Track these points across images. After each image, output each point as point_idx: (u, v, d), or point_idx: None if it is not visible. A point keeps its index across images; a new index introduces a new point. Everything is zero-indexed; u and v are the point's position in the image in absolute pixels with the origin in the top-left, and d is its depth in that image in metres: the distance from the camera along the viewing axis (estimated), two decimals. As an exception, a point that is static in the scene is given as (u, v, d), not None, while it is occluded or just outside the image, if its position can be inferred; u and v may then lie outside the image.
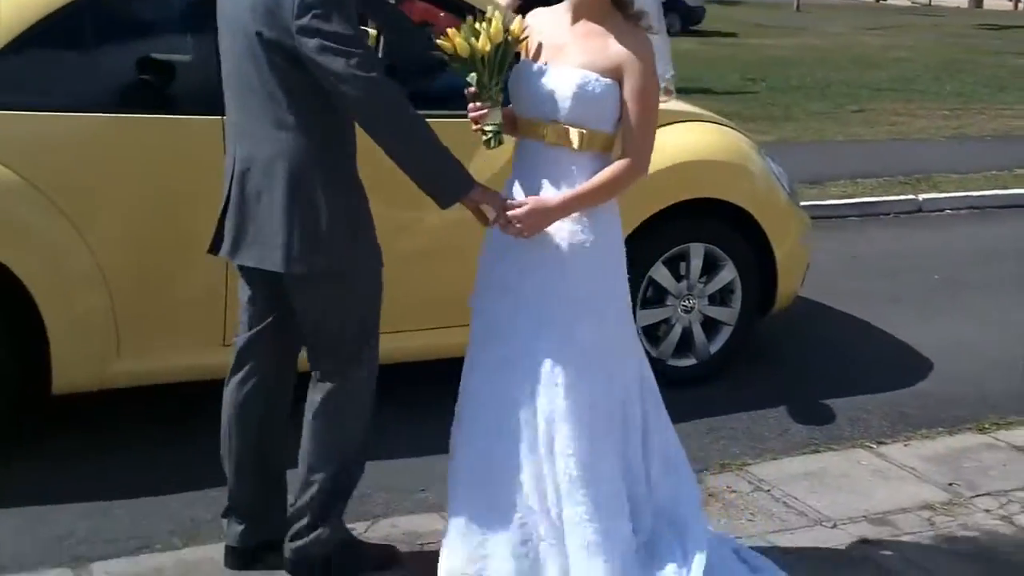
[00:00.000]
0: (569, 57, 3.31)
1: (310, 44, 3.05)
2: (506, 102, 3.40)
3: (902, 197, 9.38)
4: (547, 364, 3.31)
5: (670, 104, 5.96)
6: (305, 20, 3.04)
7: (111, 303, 4.19)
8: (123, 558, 3.66)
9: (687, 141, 5.34)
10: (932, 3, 46.04)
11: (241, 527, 3.56)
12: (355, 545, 3.66)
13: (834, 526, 4.15)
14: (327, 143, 3.24)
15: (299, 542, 3.51)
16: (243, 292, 3.49)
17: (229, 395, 3.51)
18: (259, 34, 3.12)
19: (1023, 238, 8.70)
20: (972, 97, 16.14)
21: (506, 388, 3.35)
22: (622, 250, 3.53)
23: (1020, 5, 46.43)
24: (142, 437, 4.53)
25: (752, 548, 3.84)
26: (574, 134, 3.30)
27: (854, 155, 11.10)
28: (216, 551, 3.64)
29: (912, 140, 12.30)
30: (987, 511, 4.34)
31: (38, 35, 4.05)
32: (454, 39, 3.25)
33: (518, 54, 3.41)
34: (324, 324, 3.37)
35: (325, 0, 3.05)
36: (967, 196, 9.55)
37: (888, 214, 9.15)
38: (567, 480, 3.30)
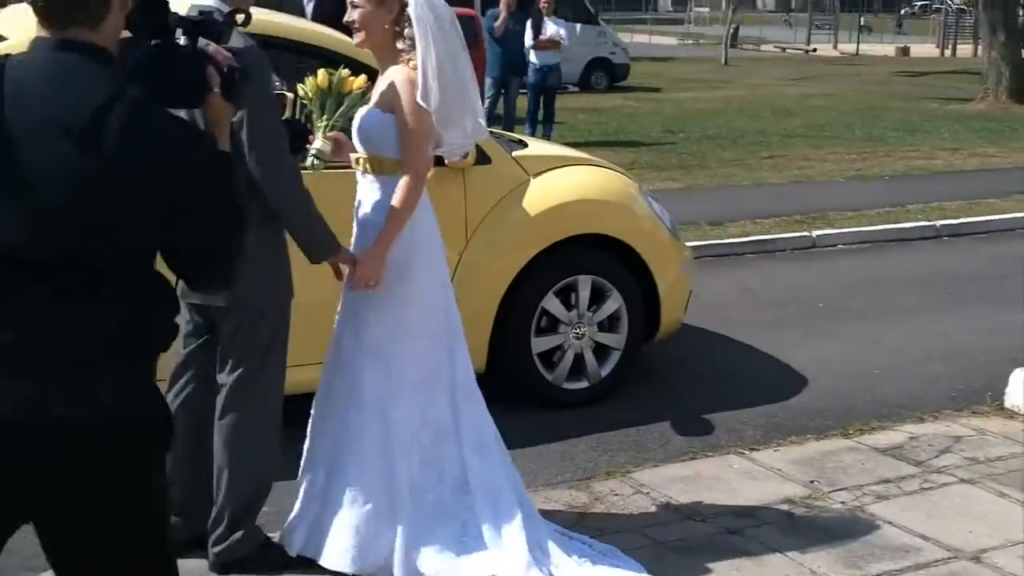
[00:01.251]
0: (371, 99, 4.05)
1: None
2: None
3: (797, 234, 9.99)
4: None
5: (564, 151, 6.57)
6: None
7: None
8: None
9: (575, 182, 5.91)
10: (859, 53, 47.13)
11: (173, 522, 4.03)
12: (272, 545, 4.14)
13: (703, 520, 4.67)
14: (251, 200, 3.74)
15: (221, 546, 4.00)
16: (183, 316, 3.98)
17: (168, 403, 4.00)
18: None
19: (906, 267, 9.34)
20: (881, 141, 16.89)
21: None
22: (428, 264, 4.13)
23: (947, 52, 47.52)
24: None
25: (626, 542, 4.35)
26: (367, 162, 4.03)
27: (757, 197, 11.73)
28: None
29: (814, 183, 12.96)
30: (842, 503, 4.87)
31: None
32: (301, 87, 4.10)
33: None
34: (231, 345, 3.90)
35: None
36: (859, 231, 10.17)
37: (784, 250, 9.74)
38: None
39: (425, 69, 3.93)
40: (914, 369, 6.72)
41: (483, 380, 5.41)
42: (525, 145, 6.26)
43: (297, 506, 4.18)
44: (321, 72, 4.12)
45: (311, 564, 4.12)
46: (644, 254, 5.95)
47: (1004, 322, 7.53)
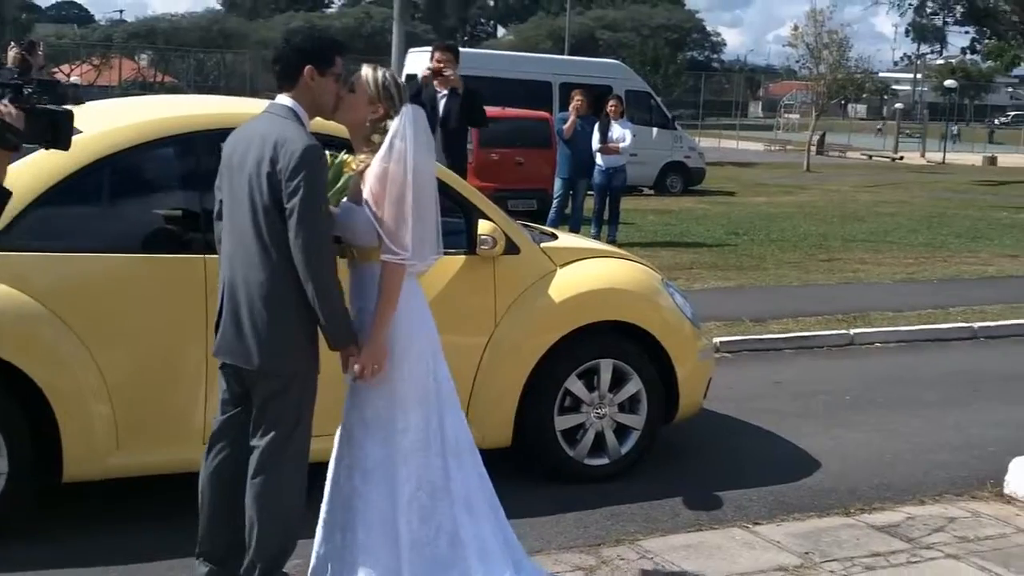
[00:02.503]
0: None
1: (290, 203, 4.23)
2: None
3: (835, 332, 10.38)
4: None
5: (591, 243, 7.09)
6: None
7: (112, 409, 5.23)
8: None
9: (598, 272, 6.39)
10: (946, 161, 47.17)
11: (206, 569, 4.57)
12: None
13: (699, 584, 5.10)
14: (292, 272, 4.31)
15: None
16: (221, 384, 4.57)
17: (208, 462, 4.58)
18: (260, 190, 4.27)
19: (938, 366, 9.67)
20: (941, 247, 17.18)
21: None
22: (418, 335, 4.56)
23: (1035, 161, 47.15)
24: (133, 517, 5.51)
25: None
26: (352, 252, 4.53)
27: (805, 297, 12.13)
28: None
29: (863, 284, 13.34)
30: (831, 572, 5.25)
31: (57, 192, 5.20)
32: None
33: None
34: (266, 409, 4.45)
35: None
36: (897, 331, 10.53)
37: (822, 347, 10.12)
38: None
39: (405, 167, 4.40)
40: (923, 457, 7.06)
41: (509, 453, 5.96)
42: (555, 237, 6.80)
43: (314, 564, 4.68)
44: (326, 153, 4.53)
45: None
46: (664, 341, 6.40)
47: (1019, 417, 7.84)
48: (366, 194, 4.41)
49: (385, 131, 4.43)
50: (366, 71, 4.50)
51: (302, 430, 4.52)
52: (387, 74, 4.51)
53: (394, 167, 4.38)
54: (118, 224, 5.50)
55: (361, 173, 4.48)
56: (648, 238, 16.49)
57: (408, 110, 4.47)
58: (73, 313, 5.14)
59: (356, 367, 4.42)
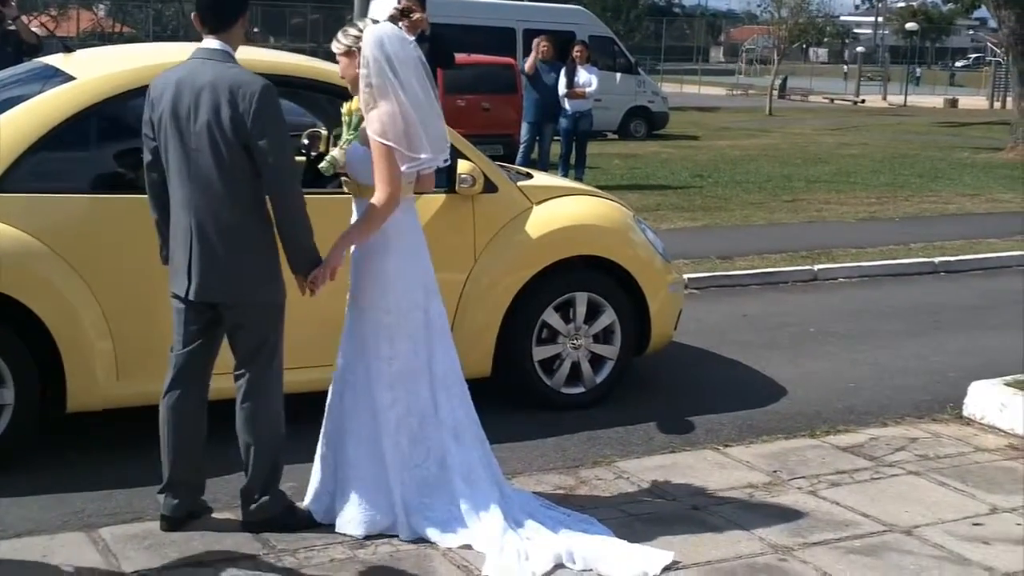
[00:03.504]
0: None
1: (259, 143, 4.46)
2: None
3: (800, 268, 10.70)
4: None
5: (565, 182, 7.32)
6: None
7: (113, 343, 5.46)
8: (122, 525, 4.88)
9: (573, 209, 6.64)
10: (908, 104, 47.56)
11: (175, 501, 4.82)
12: (295, 509, 4.93)
13: (674, 499, 5.36)
14: (260, 209, 4.60)
15: (253, 507, 4.80)
16: (179, 321, 4.76)
17: (168, 399, 4.78)
18: (223, 134, 4.47)
19: (899, 299, 10.01)
20: (902, 187, 17.52)
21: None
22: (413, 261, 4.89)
23: (996, 104, 47.62)
24: (137, 443, 5.70)
25: (603, 515, 5.06)
26: (351, 187, 4.86)
27: (770, 236, 12.44)
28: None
29: (826, 223, 13.67)
30: (798, 488, 5.55)
31: (55, 136, 5.40)
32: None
33: None
34: (246, 337, 4.71)
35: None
36: (860, 266, 10.86)
37: (787, 282, 10.44)
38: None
39: (380, 109, 4.69)
40: (886, 383, 7.40)
41: (489, 383, 6.22)
42: (530, 176, 7.04)
43: (315, 483, 4.99)
44: (356, 98, 4.89)
45: (331, 527, 4.89)
46: (636, 275, 6.67)
47: (978, 345, 8.20)
48: (370, 132, 4.70)
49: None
50: (333, 44, 4.85)
51: (279, 355, 4.79)
52: (347, 28, 4.85)
53: (375, 94, 4.69)
54: (116, 166, 5.69)
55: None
56: (614, 181, 16.73)
57: (366, 33, 4.72)
58: (74, 252, 5.35)
59: (309, 279, 4.68)
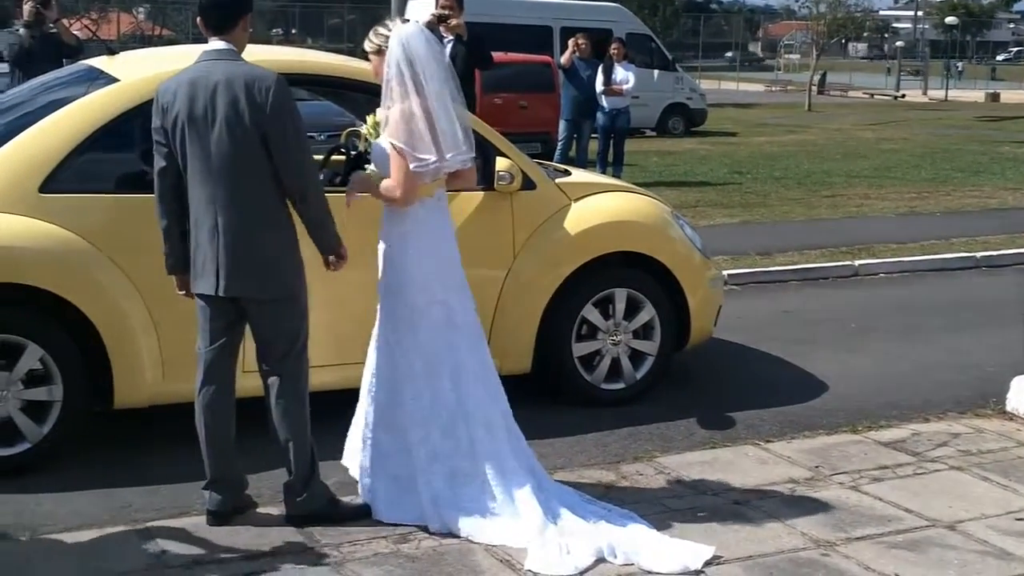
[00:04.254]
0: None
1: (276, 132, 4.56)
2: None
3: (840, 263, 10.67)
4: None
5: (603, 179, 7.34)
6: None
7: (158, 341, 5.53)
8: (169, 519, 4.94)
9: (611, 206, 6.66)
10: (949, 99, 47.16)
11: (219, 496, 4.88)
12: (337, 502, 4.99)
13: (715, 494, 5.36)
14: (282, 202, 4.69)
15: (297, 500, 4.87)
16: (205, 317, 4.80)
17: (202, 398, 4.83)
18: (243, 130, 4.55)
19: (941, 294, 9.97)
20: (944, 181, 17.40)
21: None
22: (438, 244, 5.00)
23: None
24: (182, 439, 5.76)
25: (644, 509, 5.08)
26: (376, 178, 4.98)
27: (809, 232, 12.41)
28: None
29: (867, 218, 13.60)
30: (840, 483, 5.54)
31: (100, 138, 5.48)
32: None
33: None
34: (277, 333, 4.77)
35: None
36: (901, 261, 10.82)
37: (827, 278, 10.41)
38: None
39: (394, 108, 4.82)
40: (927, 378, 7.37)
41: (529, 379, 6.25)
42: (568, 173, 7.06)
43: (355, 476, 5.16)
44: (379, 111, 5.04)
45: (368, 516, 4.96)
46: (675, 270, 6.68)
47: (1021, 340, 8.12)
48: (385, 131, 4.88)
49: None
50: (365, 43, 4.99)
51: (304, 348, 4.86)
52: (378, 28, 4.96)
53: (392, 94, 4.83)
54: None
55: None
56: (652, 178, 16.71)
57: (392, 33, 4.85)
58: (120, 252, 5.43)
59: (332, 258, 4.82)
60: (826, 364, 7.62)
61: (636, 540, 4.76)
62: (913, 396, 6.98)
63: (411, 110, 4.79)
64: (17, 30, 11.39)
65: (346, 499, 5.05)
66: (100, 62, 6.19)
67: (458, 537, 4.80)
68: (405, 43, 4.80)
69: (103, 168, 5.58)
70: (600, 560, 4.66)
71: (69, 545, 4.66)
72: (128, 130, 5.62)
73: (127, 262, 5.43)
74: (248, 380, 4.99)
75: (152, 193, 5.56)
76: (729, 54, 66.11)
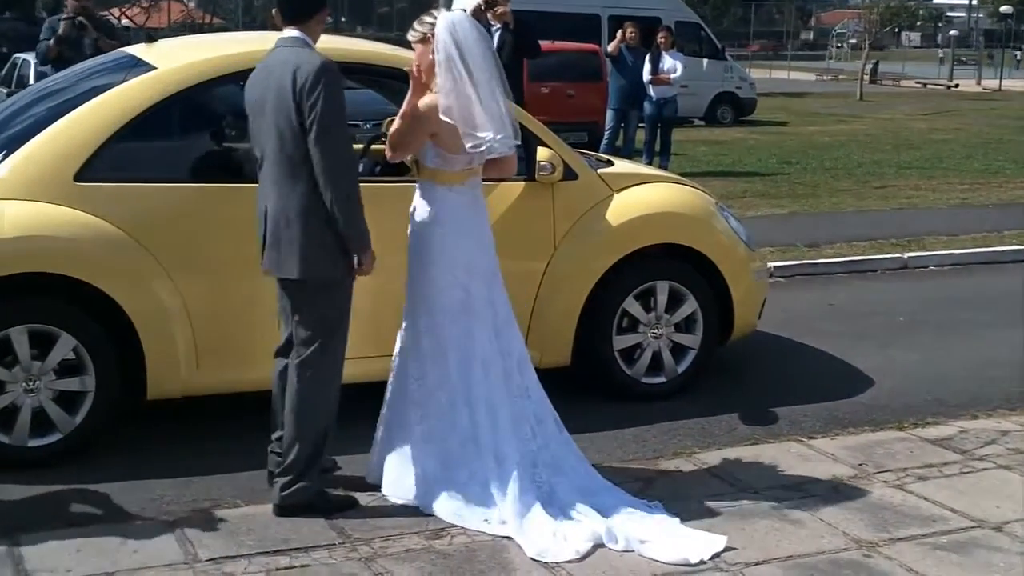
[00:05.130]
0: None
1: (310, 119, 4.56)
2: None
3: (889, 256, 10.47)
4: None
5: (646, 169, 7.22)
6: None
7: (193, 331, 5.48)
8: (200, 513, 4.89)
9: (654, 196, 6.54)
10: (1003, 88, 46.49)
11: (277, 458, 4.92)
12: (327, 495, 4.95)
13: (755, 492, 5.25)
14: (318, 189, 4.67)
15: (287, 491, 4.84)
16: (280, 302, 4.90)
17: (276, 366, 4.94)
18: (285, 114, 4.58)
19: (993, 288, 9.73)
20: (997, 173, 17.07)
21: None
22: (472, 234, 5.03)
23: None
24: (215, 431, 5.77)
25: (683, 507, 5.00)
26: (415, 168, 5.09)
27: (858, 223, 12.19)
28: (268, 507, 4.88)
29: (917, 210, 13.35)
30: (884, 482, 5.41)
31: (136, 126, 5.42)
32: None
33: None
34: (310, 319, 4.75)
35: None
36: (951, 254, 10.60)
37: (875, 271, 10.22)
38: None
39: (444, 88, 4.86)
40: (976, 374, 7.19)
41: (569, 372, 6.16)
42: (611, 164, 6.95)
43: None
44: None
45: (354, 507, 4.93)
46: (718, 262, 6.55)
47: (1073, 336, 7.95)
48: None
49: None
50: (409, 33, 5.02)
51: (337, 343, 4.82)
52: (423, 17, 4.98)
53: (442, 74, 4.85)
54: (196, 155, 5.73)
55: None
56: (700, 168, 16.54)
57: (439, 19, 4.88)
58: (155, 241, 5.38)
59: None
60: (872, 359, 7.46)
61: (641, 527, 4.74)
62: (961, 392, 6.81)
63: (463, 92, 4.83)
64: (53, 36, 10.35)
65: (335, 491, 5.04)
66: (138, 50, 6.16)
67: (443, 520, 4.83)
68: (452, 29, 4.84)
69: (139, 157, 5.53)
70: (599, 545, 4.65)
71: (99, 538, 4.62)
72: (164, 118, 5.59)
73: (162, 251, 5.39)
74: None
75: (187, 182, 5.59)
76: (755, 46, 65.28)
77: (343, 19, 52.53)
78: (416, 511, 4.92)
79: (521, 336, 5.22)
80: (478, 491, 4.86)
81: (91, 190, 5.32)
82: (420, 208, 5.05)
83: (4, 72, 20.24)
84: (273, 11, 4.92)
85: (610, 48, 15.16)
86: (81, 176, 5.31)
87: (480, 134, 4.85)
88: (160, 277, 5.39)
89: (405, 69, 5.08)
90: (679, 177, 7.14)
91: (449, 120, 4.85)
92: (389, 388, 5.13)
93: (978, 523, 4.96)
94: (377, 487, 5.07)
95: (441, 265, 4.97)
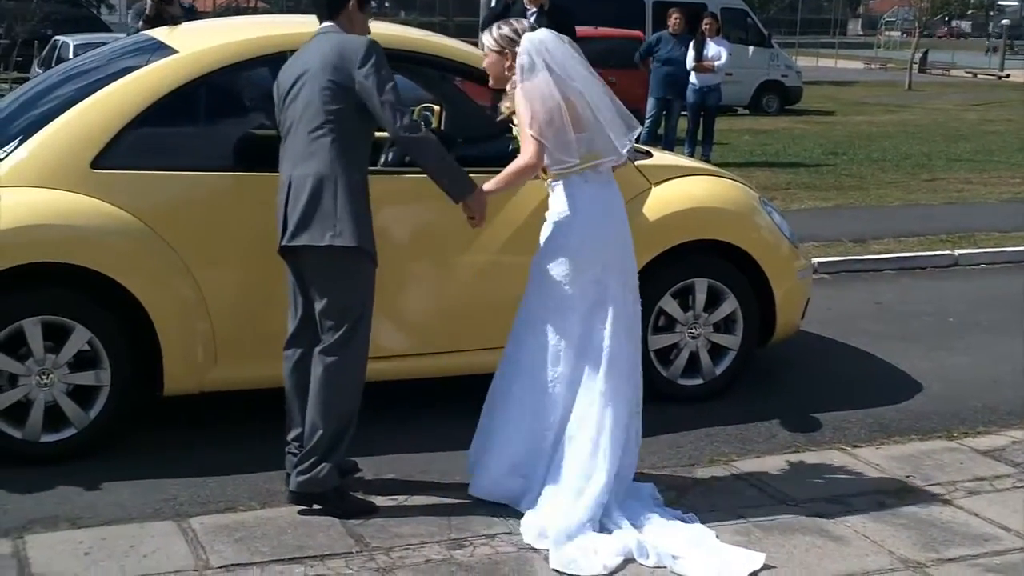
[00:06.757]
0: None
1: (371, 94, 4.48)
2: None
3: (939, 252, 10.13)
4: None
5: (686, 161, 6.96)
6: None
7: (211, 324, 5.29)
8: (213, 515, 4.71)
9: (693, 191, 6.27)
10: (1057, 77, 45.66)
11: (295, 456, 4.75)
12: (344, 494, 4.75)
13: (795, 504, 5.00)
14: (354, 163, 4.58)
15: (304, 477, 4.65)
16: (289, 288, 4.74)
17: (288, 359, 4.78)
18: (320, 83, 4.51)
19: (1046, 287, 9.41)
20: (1050, 166, 16.69)
21: None
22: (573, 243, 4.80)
23: None
24: (233, 430, 5.59)
25: (719, 519, 4.77)
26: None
27: (907, 218, 11.85)
28: (284, 511, 4.69)
29: (967, 204, 12.98)
30: (933, 496, 5.15)
31: (156, 112, 5.23)
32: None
33: None
34: (337, 295, 4.57)
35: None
36: (1003, 251, 10.24)
37: (924, 268, 9.89)
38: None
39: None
40: (1030, 381, 6.89)
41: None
42: (650, 155, 6.68)
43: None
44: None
45: (372, 513, 4.74)
46: (760, 260, 6.28)
47: None
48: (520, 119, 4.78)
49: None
50: (484, 36, 4.93)
51: (361, 332, 4.65)
52: (501, 26, 4.88)
53: (524, 89, 4.71)
54: (217, 142, 5.52)
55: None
56: (743, 158, 16.23)
57: (525, 43, 4.76)
58: (173, 231, 5.18)
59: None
60: (920, 362, 7.16)
61: (674, 542, 4.52)
62: (1014, 400, 6.51)
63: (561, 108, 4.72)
64: (137, 26, 10.13)
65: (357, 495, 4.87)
66: (160, 33, 5.97)
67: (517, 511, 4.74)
68: (543, 51, 4.75)
69: (158, 143, 5.32)
70: (629, 560, 4.44)
71: (109, 540, 4.44)
72: (185, 104, 5.39)
73: (180, 242, 5.19)
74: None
75: (208, 170, 5.40)
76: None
77: (386, 3, 52.33)
78: (437, 518, 4.71)
79: None
80: (551, 490, 4.70)
81: (108, 177, 5.12)
82: (555, 202, 4.89)
83: (44, 54, 20.20)
84: None
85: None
86: (98, 163, 5.12)
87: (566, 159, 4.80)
88: (178, 269, 5.19)
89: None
90: (720, 169, 6.86)
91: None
92: (493, 396, 4.94)
93: (1032, 544, 4.69)
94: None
95: (580, 262, 4.79)
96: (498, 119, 5.00)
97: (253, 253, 5.28)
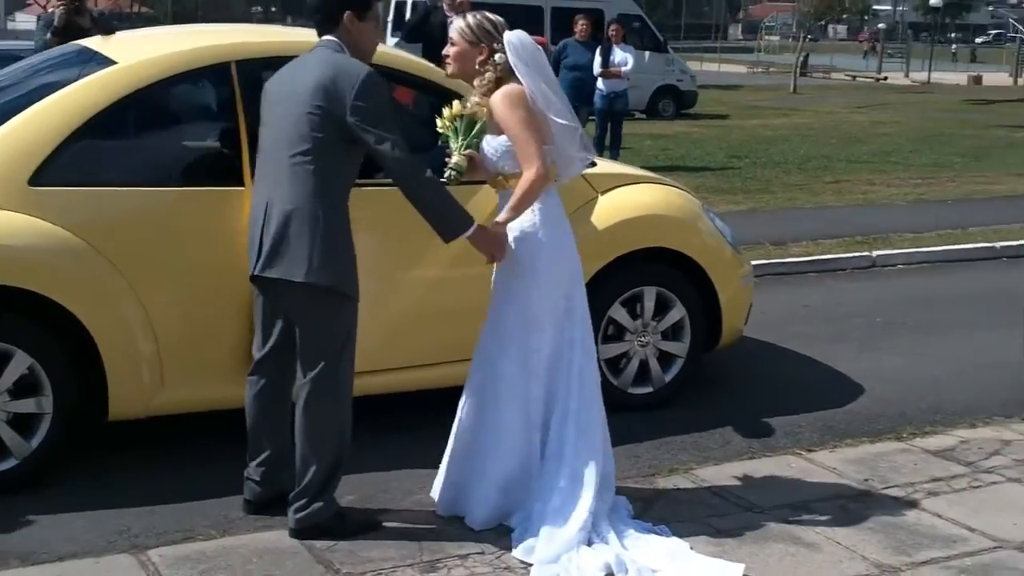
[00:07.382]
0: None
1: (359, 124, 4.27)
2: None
3: (857, 254, 10.26)
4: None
5: (631, 170, 6.93)
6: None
7: (157, 345, 5.08)
8: (172, 546, 4.50)
9: (640, 199, 6.23)
10: (931, 81, 46.94)
11: (256, 486, 4.68)
12: (344, 515, 4.62)
13: (762, 511, 4.97)
14: (335, 192, 4.38)
15: (302, 514, 4.50)
16: (257, 313, 4.56)
17: (251, 387, 4.61)
18: (310, 111, 4.28)
19: (964, 286, 9.59)
20: (946, 167, 17.06)
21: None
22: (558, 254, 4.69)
23: (1020, 80, 47.19)
24: (183, 454, 5.38)
25: (689, 530, 4.72)
26: (496, 181, 4.70)
27: (819, 220, 12.00)
28: (246, 539, 4.52)
29: (876, 206, 13.20)
30: (895, 499, 5.15)
31: (96, 125, 4.99)
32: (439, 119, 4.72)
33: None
34: (316, 332, 4.41)
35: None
36: (919, 252, 10.43)
37: (844, 270, 10.02)
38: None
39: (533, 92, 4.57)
40: (967, 379, 6.99)
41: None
42: (594, 164, 6.61)
43: (441, 476, 4.82)
44: (456, 103, 4.70)
45: (377, 529, 4.63)
46: (706, 267, 6.26)
47: (1057, 337, 7.75)
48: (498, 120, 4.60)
49: (496, 65, 4.59)
50: (457, 22, 4.69)
51: (346, 358, 4.49)
52: (477, 16, 4.67)
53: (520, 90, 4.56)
54: (161, 156, 5.29)
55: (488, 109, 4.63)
56: (649, 162, 16.22)
57: (510, 39, 4.60)
58: (114, 249, 4.95)
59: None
60: (857, 363, 7.22)
61: (651, 555, 4.46)
62: (955, 399, 6.60)
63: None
64: (45, 38, 9.69)
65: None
66: (94, 43, 5.72)
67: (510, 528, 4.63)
68: (535, 53, 4.64)
69: (99, 158, 5.08)
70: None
71: (65, 576, 4.22)
72: (127, 117, 5.17)
73: (124, 261, 4.96)
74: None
75: (152, 186, 5.19)
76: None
77: (273, 8, 51.78)
78: (408, 541, 4.57)
79: None
80: (542, 509, 4.61)
81: (47, 195, 4.88)
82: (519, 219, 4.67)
83: None
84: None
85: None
86: (36, 180, 4.87)
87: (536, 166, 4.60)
88: (122, 289, 4.96)
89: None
90: (663, 177, 6.83)
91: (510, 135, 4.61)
92: (467, 416, 4.76)
93: (1000, 543, 4.72)
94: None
95: (545, 277, 4.66)
96: (464, 112, 4.70)
97: (199, 271, 5.10)
